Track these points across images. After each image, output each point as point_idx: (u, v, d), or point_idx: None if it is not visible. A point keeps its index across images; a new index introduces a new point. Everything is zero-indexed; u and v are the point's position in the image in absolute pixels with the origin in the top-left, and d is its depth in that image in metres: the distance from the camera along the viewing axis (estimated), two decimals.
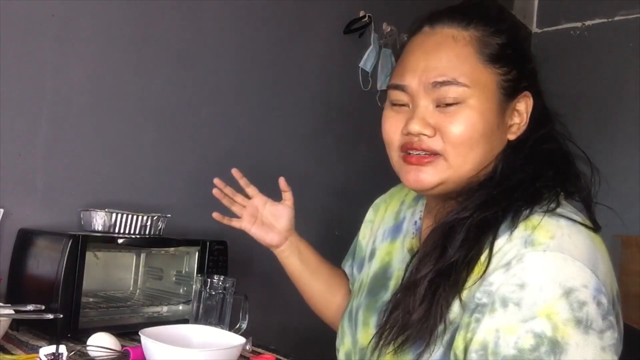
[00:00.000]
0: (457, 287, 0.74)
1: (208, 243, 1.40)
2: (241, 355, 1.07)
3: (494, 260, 0.73)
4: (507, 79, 0.82)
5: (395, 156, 0.86)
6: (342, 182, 2.21)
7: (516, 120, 0.84)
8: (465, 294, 0.74)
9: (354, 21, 2.16)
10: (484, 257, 0.74)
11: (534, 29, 3.40)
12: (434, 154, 0.81)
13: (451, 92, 0.79)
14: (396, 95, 0.85)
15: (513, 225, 0.74)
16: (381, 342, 0.80)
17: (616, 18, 3.10)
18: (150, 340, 0.94)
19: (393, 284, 0.93)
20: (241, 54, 1.81)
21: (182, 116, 1.65)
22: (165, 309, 1.40)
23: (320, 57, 2.09)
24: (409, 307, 0.77)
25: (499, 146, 0.83)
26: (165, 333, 1.02)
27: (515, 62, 0.83)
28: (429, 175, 0.82)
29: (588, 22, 3.20)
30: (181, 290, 1.45)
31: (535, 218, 0.74)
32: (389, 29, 2.26)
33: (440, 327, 0.75)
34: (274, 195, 1.19)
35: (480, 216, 0.77)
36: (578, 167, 0.85)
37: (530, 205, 0.75)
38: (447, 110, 0.80)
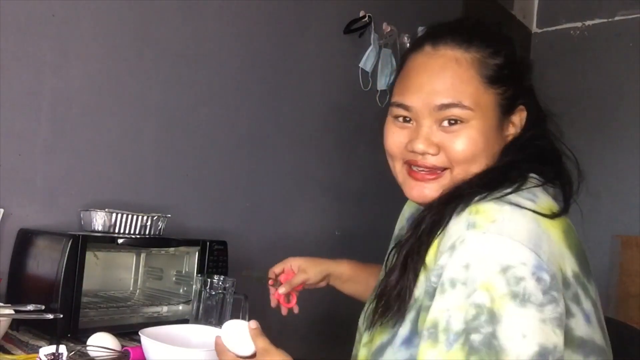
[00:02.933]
0: (421, 256, 0.81)
1: (208, 243, 1.40)
2: None
3: (444, 240, 0.78)
4: (504, 98, 0.86)
5: (398, 166, 0.91)
6: (342, 182, 2.21)
7: (511, 131, 0.89)
8: (427, 262, 0.80)
9: (354, 21, 2.15)
10: (439, 231, 0.80)
11: (534, 29, 3.39)
12: (438, 169, 0.86)
13: (455, 114, 0.84)
14: (400, 112, 0.88)
15: (462, 209, 0.79)
16: (373, 314, 0.85)
17: (616, 18, 3.10)
18: (150, 340, 0.95)
19: None
20: (241, 54, 1.81)
21: (182, 116, 1.65)
22: (165, 309, 1.40)
23: (320, 57, 2.09)
24: (390, 278, 0.84)
25: (496, 155, 0.87)
26: (165, 333, 1.02)
27: (511, 81, 0.87)
28: (432, 191, 0.86)
29: (588, 22, 3.20)
30: (181, 290, 1.45)
31: (481, 203, 0.78)
32: (389, 29, 2.26)
33: (411, 300, 0.80)
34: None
35: (447, 196, 0.83)
36: (563, 161, 0.89)
37: (486, 191, 0.80)
38: (450, 129, 0.84)
